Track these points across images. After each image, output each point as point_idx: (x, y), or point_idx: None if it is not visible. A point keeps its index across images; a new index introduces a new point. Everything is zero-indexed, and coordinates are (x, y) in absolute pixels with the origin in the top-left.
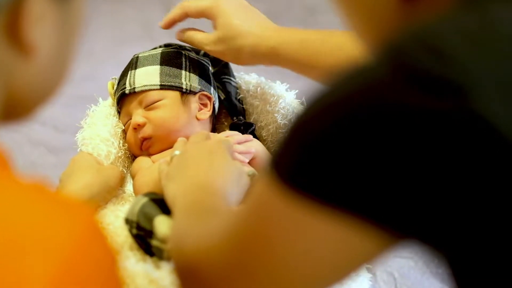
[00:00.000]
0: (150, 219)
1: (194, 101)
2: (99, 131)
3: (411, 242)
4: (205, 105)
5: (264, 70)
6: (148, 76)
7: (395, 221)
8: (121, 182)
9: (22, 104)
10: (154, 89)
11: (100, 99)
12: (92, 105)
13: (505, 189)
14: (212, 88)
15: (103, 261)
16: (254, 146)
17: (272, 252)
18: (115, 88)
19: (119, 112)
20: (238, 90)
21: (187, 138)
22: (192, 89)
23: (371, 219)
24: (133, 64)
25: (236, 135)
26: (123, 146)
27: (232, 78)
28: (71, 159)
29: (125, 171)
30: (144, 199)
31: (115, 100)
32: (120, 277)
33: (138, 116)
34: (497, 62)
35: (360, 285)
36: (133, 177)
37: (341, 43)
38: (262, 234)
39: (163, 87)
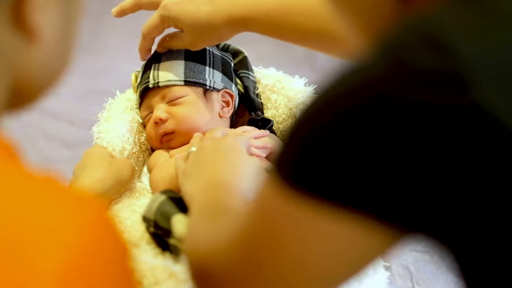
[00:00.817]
0: (167, 218)
1: (217, 99)
2: (115, 126)
3: (418, 237)
4: (227, 102)
5: (282, 65)
6: (172, 71)
7: (399, 217)
8: (134, 175)
9: (27, 91)
10: (178, 85)
11: (118, 92)
12: (109, 98)
13: (509, 180)
14: (233, 85)
15: (114, 255)
16: (270, 142)
17: (281, 252)
18: (138, 80)
19: (140, 105)
20: (256, 85)
21: (204, 133)
22: (215, 86)
23: (375, 215)
24: (157, 57)
25: (252, 131)
26: (138, 141)
27: (250, 73)
28: (84, 152)
29: (141, 166)
30: (162, 197)
31: (138, 94)
32: (132, 271)
33: (161, 110)
34: (497, 51)
35: (377, 282)
36: (150, 171)
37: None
38: (269, 235)
39: (187, 83)
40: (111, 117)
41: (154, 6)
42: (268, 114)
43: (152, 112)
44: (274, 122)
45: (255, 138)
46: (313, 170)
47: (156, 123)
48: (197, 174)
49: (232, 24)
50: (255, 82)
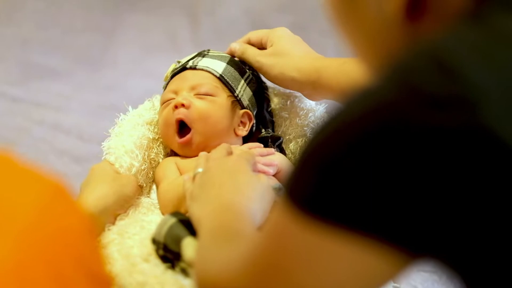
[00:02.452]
0: (177, 241)
1: (238, 115)
2: (124, 142)
3: (428, 260)
4: (244, 124)
5: None
6: (213, 63)
7: (412, 242)
8: (138, 191)
9: None
10: (213, 74)
11: (130, 108)
12: (121, 113)
13: None
14: (255, 111)
15: (72, 228)
16: (277, 159)
17: (293, 277)
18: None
19: (165, 87)
20: (270, 103)
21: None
22: (241, 100)
23: (388, 240)
24: (202, 54)
25: (258, 148)
26: (148, 157)
27: (264, 90)
28: (90, 168)
29: (150, 183)
30: (172, 220)
31: (170, 75)
32: (96, 244)
33: (186, 96)
34: (504, 75)
35: None
36: (157, 183)
37: None
38: (282, 260)
39: (222, 78)
40: (122, 133)
41: (259, 40)
42: (278, 131)
43: (174, 99)
44: (284, 139)
45: (261, 155)
46: (327, 196)
47: (176, 107)
48: (204, 197)
49: (314, 87)
50: (269, 100)
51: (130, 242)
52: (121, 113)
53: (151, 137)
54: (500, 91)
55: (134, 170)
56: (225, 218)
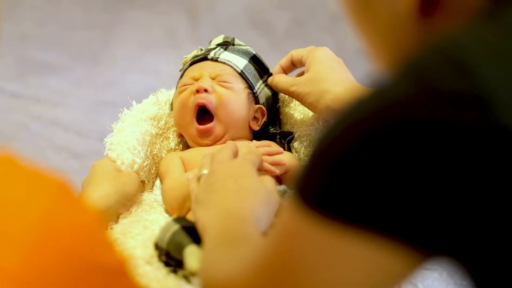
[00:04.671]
0: (180, 249)
1: (253, 108)
2: (126, 138)
3: (440, 258)
4: (257, 119)
5: None
6: (234, 58)
7: (425, 240)
8: (140, 188)
9: None
10: (234, 68)
11: (134, 102)
12: (120, 109)
13: None
14: (266, 110)
15: (80, 225)
16: (285, 158)
17: (306, 278)
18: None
19: (182, 73)
20: (279, 102)
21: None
22: (259, 97)
23: (401, 238)
24: (225, 45)
25: (266, 147)
26: (150, 153)
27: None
28: (92, 165)
29: (153, 178)
30: (175, 227)
31: (189, 62)
32: (107, 236)
33: (208, 83)
34: None
35: None
36: (161, 178)
37: None
38: (294, 261)
39: (242, 74)
40: (124, 129)
41: (299, 59)
42: (284, 129)
43: (192, 84)
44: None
45: (269, 154)
46: (340, 195)
47: (197, 91)
48: (209, 202)
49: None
50: (278, 100)
51: (133, 242)
52: (120, 109)
53: (154, 133)
54: None
55: (136, 167)
56: (229, 224)
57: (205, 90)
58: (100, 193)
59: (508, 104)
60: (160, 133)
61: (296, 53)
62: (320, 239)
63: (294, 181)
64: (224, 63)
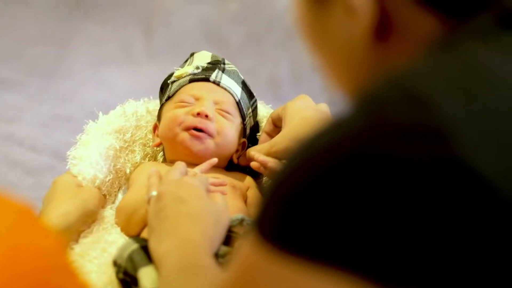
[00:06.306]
0: (136, 269)
1: (239, 142)
2: (89, 152)
3: None
4: (238, 151)
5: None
6: (233, 84)
7: (381, 273)
8: (101, 203)
9: None
10: (234, 97)
11: (101, 113)
12: (79, 124)
13: (493, 234)
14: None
15: (41, 250)
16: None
17: None
18: (191, 72)
19: (178, 88)
20: (259, 131)
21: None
22: (246, 130)
23: (360, 273)
24: (221, 66)
25: (210, 177)
26: (114, 168)
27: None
28: (53, 182)
29: (116, 192)
30: (134, 246)
31: (188, 79)
32: (69, 264)
33: (212, 110)
34: (477, 106)
35: None
36: (130, 185)
37: None
38: None
39: (239, 104)
40: (88, 142)
41: (278, 117)
42: None
43: (191, 103)
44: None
45: (213, 185)
46: (295, 231)
47: (198, 114)
48: (160, 230)
49: None
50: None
51: (90, 266)
52: (75, 124)
53: (118, 147)
54: (472, 122)
55: (98, 182)
56: (186, 252)
57: (206, 116)
58: (60, 212)
59: (465, 138)
60: (125, 146)
61: (274, 113)
62: (277, 273)
63: (254, 214)
64: (225, 89)
